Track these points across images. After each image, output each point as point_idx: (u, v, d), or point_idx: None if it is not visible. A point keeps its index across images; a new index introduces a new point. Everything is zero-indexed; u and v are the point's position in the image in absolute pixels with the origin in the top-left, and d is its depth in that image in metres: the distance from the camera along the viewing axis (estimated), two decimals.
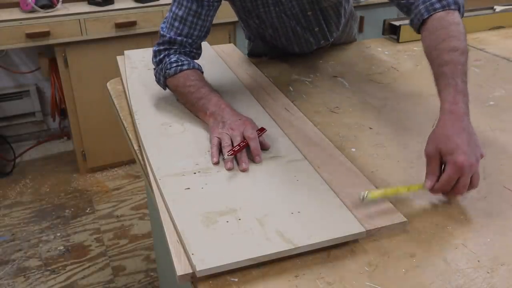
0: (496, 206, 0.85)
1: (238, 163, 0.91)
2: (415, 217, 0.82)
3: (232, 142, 0.95)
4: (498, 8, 1.82)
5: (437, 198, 0.86)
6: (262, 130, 0.98)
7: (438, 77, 0.92)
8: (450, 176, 0.80)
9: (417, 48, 1.57)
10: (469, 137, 0.83)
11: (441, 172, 0.83)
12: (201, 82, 1.10)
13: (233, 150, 0.91)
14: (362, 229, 0.75)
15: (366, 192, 0.80)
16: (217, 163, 0.92)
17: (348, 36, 1.59)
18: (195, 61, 1.17)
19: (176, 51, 1.14)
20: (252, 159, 0.93)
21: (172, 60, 1.12)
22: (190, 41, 1.15)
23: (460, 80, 0.89)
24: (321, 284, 0.68)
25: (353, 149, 1.01)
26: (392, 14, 2.90)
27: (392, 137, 1.05)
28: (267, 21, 1.32)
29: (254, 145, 0.93)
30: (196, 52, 1.19)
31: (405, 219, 0.79)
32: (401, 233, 0.78)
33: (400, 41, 1.62)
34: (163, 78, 1.14)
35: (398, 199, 0.85)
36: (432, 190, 0.83)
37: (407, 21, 1.62)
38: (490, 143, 1.04)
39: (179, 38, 1.14)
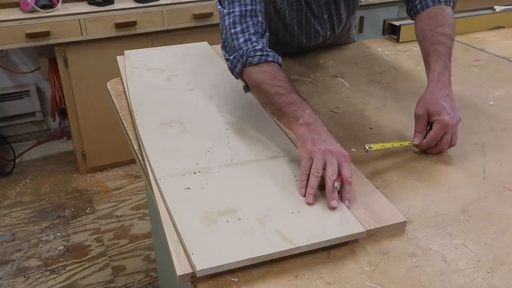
0: (496, 206, 0.85)
1: (327, 196, 0.81)
2: (415, 217, 0.82)
3: (324, 167, 0.83)
4: (498, 8, 1.82)
5: (437, 198, 0.86)
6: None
7: (430, 52, 1.08)
8: (436, 133, 0.95)
9: (417, 48, 1.57)
10: (452, 103, 0.99)
11: (427, 131, 0.98)
12: (291, 86, 0.97)
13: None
14: (362, 229, 0.75)
15: (370, 145, 0.94)
16: (310, 203, 0.81)
17: (347, 35, 1.59)
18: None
19: (254, 26, 1.02)
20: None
21: (257, 47, 0.99)
22: (258, 7, 1.04)
23: (448, 59, 1.06)
24: (321, 284, 0.68)
25: (353, 149, 1.01)
26: (392, 14, 2.91)
27: (392, 137, 1.05)
28: (282, 10, 1.31)
29: (348, 189, 0.82)
30: (266, 31, 1.06)
31: (405, 219, 0.79)
32: (401, 233, 0.78)
33: (400, 41, 1.62)
34: (241, 65, 1.00)
35: (398, 199, 0.85)
36: (419, 146, 0.98)
37: (407, 21, 1.64)
38: (490, 143, 1.04)
39: (249, 7, 1.03)
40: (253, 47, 1.00)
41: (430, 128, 0.97)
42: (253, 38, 1.01)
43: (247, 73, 1.01)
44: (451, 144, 0.98)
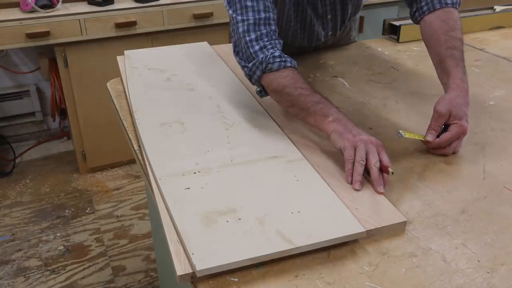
0: (496, 206, 0.85)
1: (373, 183, 0.86)
2: (415, 217, 0.82)
3: (366, 157, 0.87)
4: (498, 8, 1.82)
5: (437, 198, 0.86)
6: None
7: (446, 57, 1.08)
8: (452, 136, 0.97)
9: (417, 48, 1.57)
10: (467, 109, 1.01)
11: (440, 132, 0.99)
12: (312, 87, 1.02)
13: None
14: (362, 229, 0.75)
15: (403, 132, 0.97)
16: (358, 189, 0.85)
17: (347, 37, 1.59)
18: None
19: (268, 34, 1.04)
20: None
21: (276, 54, 1.02)
22: (271, 15, 1.06)
23: (463, 64, 1.08)
24: (321, 284, 0.68)
25: None
26: (392, 14, 2.91)
27: (392, 137, 1.05)
28: (286, 9, 1.30)
29: (387, 176, 0.87)
30: (278, 38, 1.07)
31: (405, 219, 0.79)
32: (401, 233, 0.78)
33: (400, 41, 1.62)
34: (260, 72, 1.03)
35: (398, 199, 0.85)
36: (431, 143, 0.98)
37: (407, 21, 1.64)
38: (490, 143, 1.04)
39: (263, 15, 1.04)
40: (271, 54, 1.02)
41: (444, 130, 0.98)
42: (268, 46, 1.04)
43: (267, 79, 1.04)
44: (455, 151, 1.00)
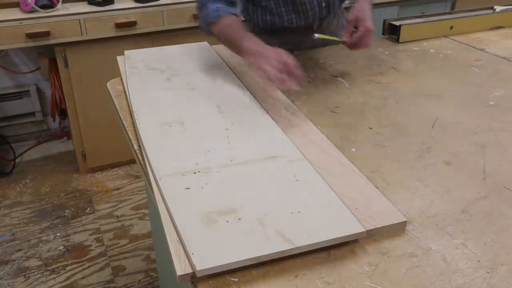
0: (496, 206, 0.85)
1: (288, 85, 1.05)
2: (415, 217, 0.82)
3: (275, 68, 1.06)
4: (498, 8, 1.82)
5: (437, 198, 0.86)
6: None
7: None
8: (361, 33, 1.27)
9: (417, 48, 1.58)
10: (372, 17, 1.30)
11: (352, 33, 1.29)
12: (238, 25, 1.26)
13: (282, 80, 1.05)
14: (362, 229, 0.75)
15: (318, 35, 1.33)
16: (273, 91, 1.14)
17: (335, 30, 1.60)
18: (233, 8, 1.30)
19: (224, 3, 1.28)
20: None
21: (213, 8, 1.27)
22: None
23: None
24: (321, 284, 0.68)
25: (353, 149, 1.01)
26: (392, 14, 2.91)
27: (392, 137, 1.05)
28: None
29: (297, 73, 1.07)
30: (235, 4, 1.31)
31: (405, 219, 0.79)
32: (401, 233, 0.78)
33: (400, 41, 1.62)
34: (205, 25, 1.29)
35: (398, 199, 0.85)
36: (346, 43, 1.30)
37: (407, 21, 1.64)
38: (490, 143, 1.04)
39: None
40: (209, 9, 1.27)
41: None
42: (220, 7, 1.28)
43: (212, 30, 1.30)
44: (367, 45, 1.30)
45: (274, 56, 1.08)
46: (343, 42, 1.30)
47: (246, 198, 0.82)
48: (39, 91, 2.87)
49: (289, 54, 1.09)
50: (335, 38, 1.33)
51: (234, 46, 1.23)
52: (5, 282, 1.98)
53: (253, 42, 1.16)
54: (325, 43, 1.54)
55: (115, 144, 2.59)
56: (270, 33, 1.48)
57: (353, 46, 1.30)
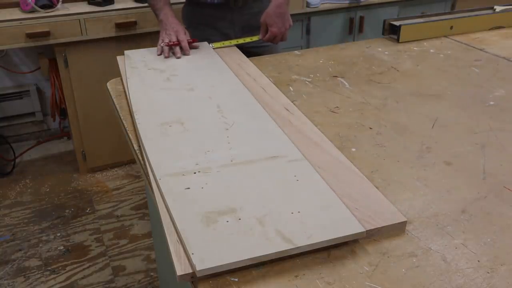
0: (496, 206, 0.85)
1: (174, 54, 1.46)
2: (415, 217, 0.82)
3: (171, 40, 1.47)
4: (498, 8, 1.82)
5: (437, 198, 0.86)
6: (194, 40, 1.52)
7: None
8: (269, 37, 1.54)
9: (417, 48, 1.58)
10: (282, 17, 1.52)
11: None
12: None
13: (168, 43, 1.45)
14: (362, 229, 0.75)
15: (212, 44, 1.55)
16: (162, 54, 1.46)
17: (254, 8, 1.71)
18: None
19: None
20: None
21: None
22: None
23: None
24: (321, 284, 0.68)
25: (353, 149, 1.01)
26: (392, 14, 2.91)
27: (392, 137, 1.05)
28: None
29: (184, 44, 1.47)
30: None
31: (405, 219, 0.79)
32: (401, 233, 0.78)
33: (400, 41, 1.62)
34: None
35: (398, 199, 0.85)
36: (264, 39, 1.56)
37: (407, 21, 1.64)
38: (490, 143, 1.04)
39: None
40: None
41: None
42: None
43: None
44: (283, 39, 1.57)
45: (173, 31, 1.48)
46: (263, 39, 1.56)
47: (246, 198, 0.82)
48: (39, 91, 2.87)
49: (185, 31, 1.50)
50: (254, 39, 1.57)
51: (155, 14, 1.60)
52: (5, 282, 1.98)
53: (165, 15, 1.54)
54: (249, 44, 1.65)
55: (115, 144, 2.59)
56: (196, 6, 1.72)
57: (270, 42, 1.57)
